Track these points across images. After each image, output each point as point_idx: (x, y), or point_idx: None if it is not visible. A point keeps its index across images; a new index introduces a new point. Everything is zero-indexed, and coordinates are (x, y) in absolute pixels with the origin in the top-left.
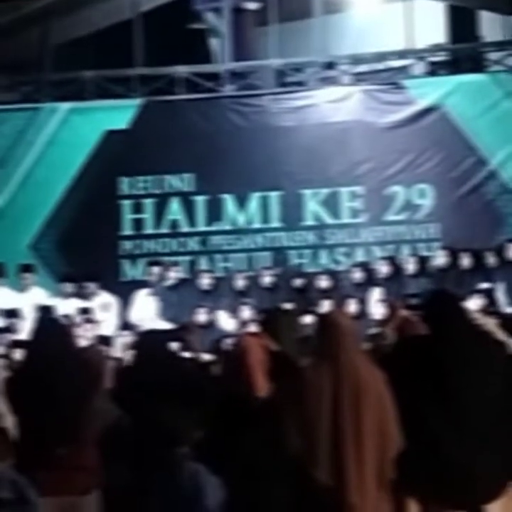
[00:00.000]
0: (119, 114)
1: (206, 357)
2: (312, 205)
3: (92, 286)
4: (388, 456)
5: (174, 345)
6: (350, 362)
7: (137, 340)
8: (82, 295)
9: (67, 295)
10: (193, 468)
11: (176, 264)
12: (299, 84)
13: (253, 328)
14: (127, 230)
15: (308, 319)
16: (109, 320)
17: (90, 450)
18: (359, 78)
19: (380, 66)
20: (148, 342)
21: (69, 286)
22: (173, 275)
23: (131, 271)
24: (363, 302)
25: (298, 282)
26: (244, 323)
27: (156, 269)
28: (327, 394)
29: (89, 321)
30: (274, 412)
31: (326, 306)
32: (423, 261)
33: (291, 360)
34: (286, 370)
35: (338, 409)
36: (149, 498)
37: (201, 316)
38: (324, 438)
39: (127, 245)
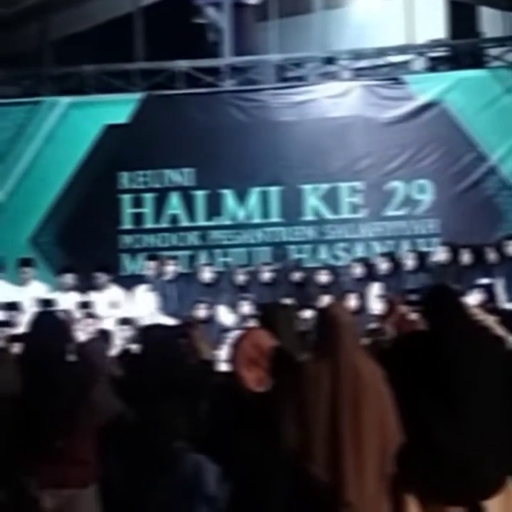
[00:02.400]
0: (119, 108)
1: (211, 352)
2: (312, 200)
3: (103, 277)
4: (388, 451)
5: (180, 341)
6: (349, 357)
7: (143, 334)
8: (86, 288)
9: (67, 288)
10: (194, 459)
11: (174, 258)
12: (299, 79)
13: (252, 323)
14: (127, 225)
15: (307, 314)
16: (115, 315)
17: (89, 443)
18: (359, 73)
19: (380, 61)
20: (155, 336)
21: (69, 278)
22: (171, 269)
23: (131, 265)
24: (362, 297)
25: (297, 277)
26: (244, 318)
27: (152, 264)
28: (325, 389)
29: (90, 315)
30: (272, 407)
31: (325, 301)
32: (422, 256)
33: (290, 355)
34: (285, 365)
35: (336, 405)
36: (148, 491)
37: (201, 311)
38: (321, 434)
39: (127, 239)
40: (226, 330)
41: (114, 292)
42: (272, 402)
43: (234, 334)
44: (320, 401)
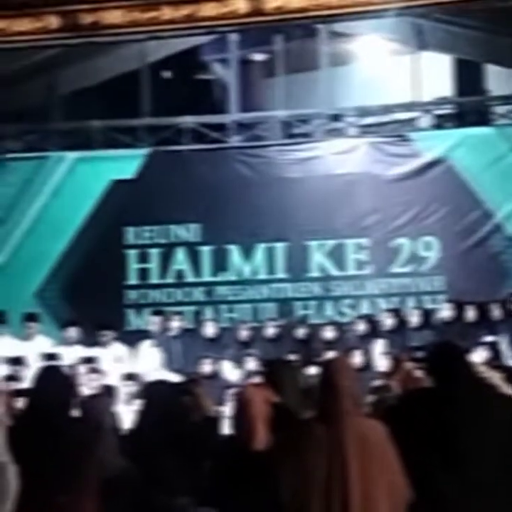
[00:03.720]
0: (125, 163)
1: (214, 409)
2: (318, 257)
3: (107, 335)
4: (398, 507)
5: (184, 398)
6: (350, 420)
7: (147, 390)
8: (91, 343)
9: (71, 342)
10: None
11: (179, 313)
12: (306, 135)
13: (257, 379)
14: (133, 280)
15: (312, 370)
16: (119, 371)
17: (92, 499)
18: (365, 130)
19: (387, 118)
20: (159, 392)
21: (73, 332)
22: (176, 325)
23: (136, 320)
24: (367, 354)
25: (302, 333)
26: (248, 374)
27: (157, 319)
28: (326, 449)
29: (94, 370)
30: (272, 465)
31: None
32: (427, 313)
33: (292, 412)
34: (287, 422)
35: (343, 467)
36: None
37: (206, 367)
38: (320, 494)
39: (133, 295)
40: (231, 386)
41: (117, 349)
42: (271, 460)
43: (237, 390)
44: (320, 460)
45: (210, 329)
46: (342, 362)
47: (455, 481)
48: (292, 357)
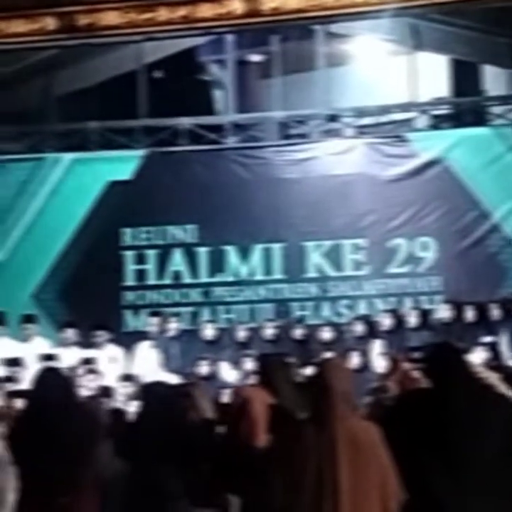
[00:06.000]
0: (122, 165)
1: (211, 411)
2: (315, 257)
3: (103, 335)
4: (390, 510)
5: (181, 400)
6: (342, 422)
7: (144, 391)
8: (88, 344)
9: (69, 344)
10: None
11: (177, 315)
12: (303, 136)
13: (253, 379)
14: (130, 281)
15: (309, 371)
16: (114, 372)
17: (91, 500)
18: (362, 131)
19: (384, 119)
20: (157, 394)
21: (71, 333)
22: (174, 326)
23: (133, 321)
24: (365, 355)
25: (299, 334)
26: (246, 375)
27: (155, 320)
28: (318, 450)
29: (92, 371)
30: (268, 466)
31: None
32: (425, 314)
33: (288, 413)
34: (282, 423)
35: (334, 467)
36: None
37: (203, 368)
38: (309, 497)
39: (130, 296)
40: (228, 386)
41: (113, 350)
42: (267, 461)
43: (236, 390)
44: (311, 462)
45: (208, 331)
46: (336, 363)
47: (451, 483)
48: (289, 357)
